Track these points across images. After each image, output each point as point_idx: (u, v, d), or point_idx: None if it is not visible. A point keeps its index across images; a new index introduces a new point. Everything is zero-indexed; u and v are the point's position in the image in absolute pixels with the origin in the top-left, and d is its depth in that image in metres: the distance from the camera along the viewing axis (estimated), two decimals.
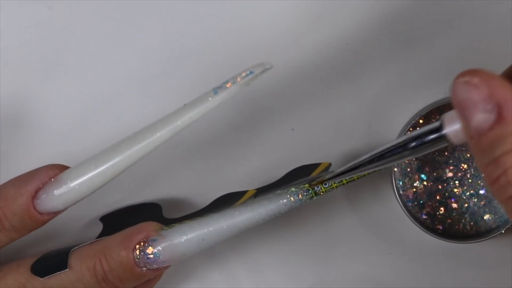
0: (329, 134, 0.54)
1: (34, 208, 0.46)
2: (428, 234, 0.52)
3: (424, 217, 0.53)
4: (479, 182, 0.53)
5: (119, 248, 0.46)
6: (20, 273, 0.47)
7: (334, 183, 0.49)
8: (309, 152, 0.54)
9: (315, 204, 0.55)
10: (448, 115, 0.39)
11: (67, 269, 0.46)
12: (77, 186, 0.46)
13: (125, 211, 0.54)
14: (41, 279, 0.46)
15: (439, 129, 0.40)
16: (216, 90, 0.45)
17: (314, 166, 0.51)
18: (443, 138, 0.40)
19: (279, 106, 0.55)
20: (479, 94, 0.38)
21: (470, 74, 0.38)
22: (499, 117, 0.37)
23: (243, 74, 0.45)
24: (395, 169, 0.53)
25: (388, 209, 0.55)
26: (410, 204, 0.53)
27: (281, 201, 0.48)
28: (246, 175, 0.54)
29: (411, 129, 0.53)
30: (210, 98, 0.45)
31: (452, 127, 0.39)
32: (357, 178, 0.50)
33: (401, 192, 0.53)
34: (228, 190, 0.52)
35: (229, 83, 0.45)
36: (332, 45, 0.54)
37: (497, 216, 0.53)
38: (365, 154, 0.44)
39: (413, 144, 0.41)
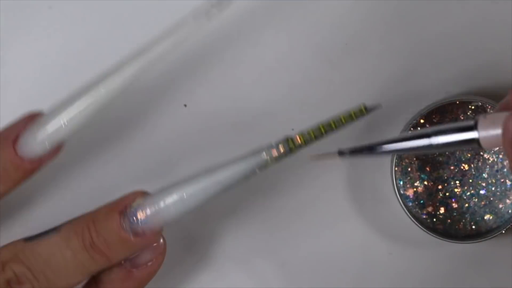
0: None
1: (16, 154, 0.47)
2: (429, 234, 0.52)
3: (424, 216, 0.53)
4: (479, 182, 0.53)
5: (106, 211, 0.47)
6: (13, 244, 0.47)
7: (313, 133, 0.48)
8: (309, 152, 0.54)
9: (315, 204, 0.55)
10: (484, 120, 0.37)
11: (55, 232, 0.47)
12: (61, 123, 0.47)
13: None
14: (32, 247, 0.46)
15: (471, 128, 0.38)
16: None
17: None
18: (473, 141, 0.38)
19: (279, 106, 0.55)
20: None
21: None
22: None
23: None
24: (396, 169, 0.53)
25: (388, 209, 0.55)
26: (410, 203, 0.53)
27: (262, 153, 0.48)
28: None
29: (411, 128, 0.52)
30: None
31: (488, 133, 0.37)
32: (336, 128, 0.48)
33: (401, 191, 0.53)
34: None
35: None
36: (332, 45, 0.54)
37: (497, 217, 0.53)
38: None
39: (438, 141, 0.39)
